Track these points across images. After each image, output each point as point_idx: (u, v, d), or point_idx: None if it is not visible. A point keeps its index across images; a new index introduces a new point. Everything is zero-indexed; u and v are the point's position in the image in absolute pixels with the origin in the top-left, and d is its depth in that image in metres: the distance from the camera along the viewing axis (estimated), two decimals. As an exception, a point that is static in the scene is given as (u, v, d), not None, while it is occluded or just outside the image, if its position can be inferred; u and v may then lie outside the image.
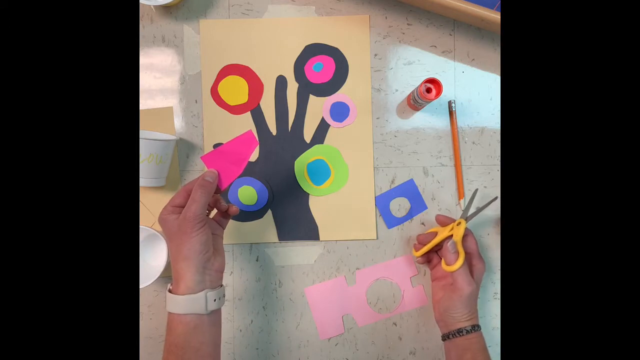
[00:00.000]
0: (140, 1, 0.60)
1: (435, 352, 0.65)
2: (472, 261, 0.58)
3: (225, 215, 0.56)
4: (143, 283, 0.59)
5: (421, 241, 0.62)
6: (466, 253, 0.58)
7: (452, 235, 0.58)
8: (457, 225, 0.58)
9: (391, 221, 0.66)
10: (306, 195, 0.65)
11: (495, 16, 0.57)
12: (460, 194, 0.65)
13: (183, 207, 0.50)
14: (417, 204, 0.66)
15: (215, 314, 0.51)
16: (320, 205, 0.65)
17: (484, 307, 0.66)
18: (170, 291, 0.49)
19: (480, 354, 0.54)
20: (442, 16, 0.65)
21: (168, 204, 0.51)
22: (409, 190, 0.66)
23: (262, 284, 0.66)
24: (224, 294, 0.52)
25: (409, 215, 0.66)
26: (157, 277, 0.59)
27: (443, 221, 0.61)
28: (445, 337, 0.57)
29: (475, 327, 0.55)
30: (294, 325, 0.66)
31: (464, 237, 0.58)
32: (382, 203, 0.66)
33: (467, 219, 0.58)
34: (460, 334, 0.55)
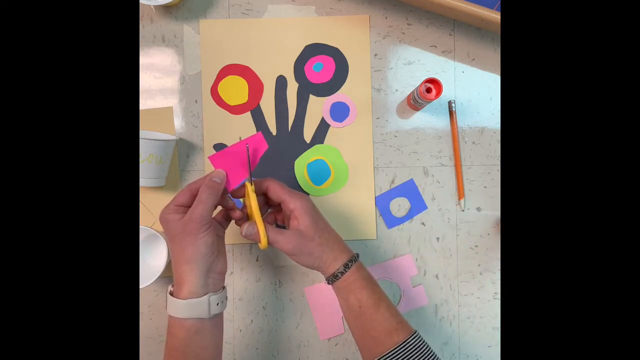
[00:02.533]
0: (140, 1, 0.60)
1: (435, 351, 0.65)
2: (289, 206, 0.50)
3: (227, 216, 0.54)
4: (143, 283, 0.59)
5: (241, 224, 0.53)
6: (276, 204, 0.53)
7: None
8: (246, 193, 0.50)
9: (391, 221, 0.66)
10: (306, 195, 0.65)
11: (495, 16, 0.57)
12: (460, 194, 0.65)
13: (186, 206, 0.48)
14: (417, 204, 0.66)
15: (217, 317, 0.50)
16: (320, 205, 0.65)
17: (483, 307, 0.66)
18: (171, 294, 0.48)
19: (362, 290, 0.50)
20: (442, 16, 0.65)
21: (171, 203, 0.49)
22: (409, 190, 0.66)
23: (262, 284, 0.66)
24: (226, 297, 0.51)
25: (409, 215, 0.66)
26: (157, 277, 0.59)
27: (237, 194, 0.53)
28: (328, 282, 0.53)
29: (347, 265, 0.51)
30: (294, 325, 0.66)
31: (267, 189, 0.52)
32: (382, 203, 0.66)
33: (251, 181, 0.50)
34: (337, 278, 0.51)
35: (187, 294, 0.46)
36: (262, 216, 0.50)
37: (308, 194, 0.65)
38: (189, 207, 0.48)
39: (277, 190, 0.51)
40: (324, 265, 0.51)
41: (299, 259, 0.50)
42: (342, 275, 0.51)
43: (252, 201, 0.50)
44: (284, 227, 0.52)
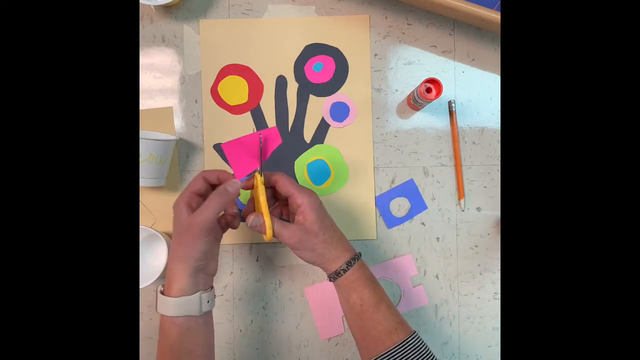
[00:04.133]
0: (140, 1, 0.60)
1: (435, 352, 0.65)
2: (296, 201, 0.51)
3: (230, 221, 0.54)
4: (143, 283, 0.59)
5: (247, 212, 0.54)
6: (283, 198, 0.53)
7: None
8: (255, 184, 0.51)
9: (391, 221, 0.66)
10: (306, 195, 0.65)
11: (495, 16, 0.57)
12: (460, 194, 0.65)
13: (201, 194, 0.50)
14: (417, 204, 0.66)
15: (208, 315, 0.51)
16: (320, 205, 0.65)
17: (483, 307, 0.66)
18: (162, 293, 0.48)
19: (364, 289, 0.51)
20: (442, 16, 0.65)
21: (187, 190, 0.50)
22: (409, 190, 0.66)
23: (262, 284, 0.66)
24: (215, 295, 0.52)
25: (409, 215, 0.66)
26: (157, 277, 0.59)
27: (247, 185, 0.53)
28: (330, 279, 0.53)
29: (350, 263, 0.51)
30: (294, 325, 0.66)
31: (275, 182, 0.52)
32: (382, 203, 0.66)
33: (260, 173, 0.51)
34: (339, 275, 0.51)
35: (178, 292, 0.47)
36: (268, 209, 0.50)
37: (309, 194, 0.65)
38: (202, 196, 0.50)
39: (285, 185, 0.51)
40: (326, 262, 0.51)
41: (301, 254, 0.51)
42: (344, 272, 0.51)
43: (260, 193, 0.50)
44: (289, 221, 0.53)
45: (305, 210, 0.50)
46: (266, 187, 0.52)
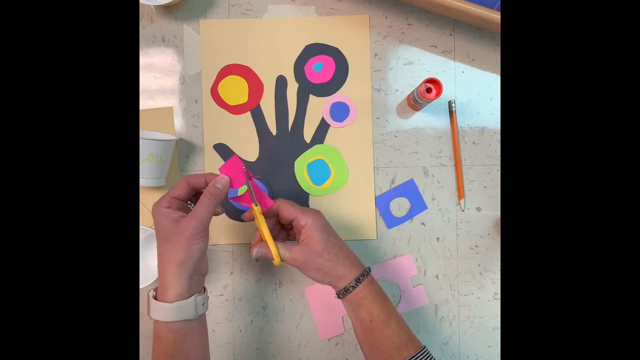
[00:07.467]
0: (140, 1, 0.60)
1: (435, 352, 0.65)
2: (300, 222, 0.51)
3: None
4: (143, 283, 0.59)
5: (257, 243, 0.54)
6: (287, 222, 0.54)
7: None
8: (255, 216, 0.52)
9: (391, 221, 0.66)
10: (306, 195, 0.65)
11: (495, 16, 0.57)
12: (460, 194, 0.65)
13: (182, 200, 0.49)
14: (417, 204, 0.66)
15: (202, 317, 0.50)
16: (320, 205, 0.65)
17: (483, 307, 0.66)
18: (155, 298, 0.47)
19: (373, 305, 0.51)
20: (442, 16, 0.65)
21: (166, 195, 0.48)
22: (409, 190, 0.66)
23: (262, 284, 0.66)
24: (208, 297, 0.51)
25: (409, 215, 0.66)
26: (156, 277, 0.59)
27: (248, 217, 0.54)
28: (339, 296, 0.53)
29: (358, 280, 0.51)
30: (294, 325, 0.66)
31: (277, 209, 0.53)
32: (382, 203, 0.66)
33: (257, 203, 0.51)
34: (347, 292, 0.51)
35: (174, 297, 0.46)
36: (273, 235, 0.51)
37: (308, 195, 0.65)
38: (185, 201, 0.50)
39: (288, 209, 0.52)
40: (334, 280, 0.52)
41: (309, 274, 0.52)
42: (353, 289, 0.51)
43: (261, 223, 0.51)
44: (295, 240, 0.53)
45: (309, 231, 0.51)
46: (269, 217, 0.53)
